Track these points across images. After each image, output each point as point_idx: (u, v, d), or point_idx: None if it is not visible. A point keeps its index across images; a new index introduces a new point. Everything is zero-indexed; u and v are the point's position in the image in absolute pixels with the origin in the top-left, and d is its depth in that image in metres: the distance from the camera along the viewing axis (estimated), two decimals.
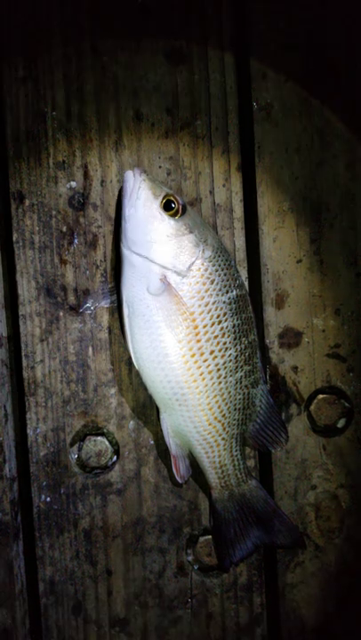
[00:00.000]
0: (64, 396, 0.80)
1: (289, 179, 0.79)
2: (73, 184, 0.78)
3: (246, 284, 0.79)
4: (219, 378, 0.73)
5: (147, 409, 0.80)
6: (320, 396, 0.81)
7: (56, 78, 0.77)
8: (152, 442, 0.81)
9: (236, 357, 0.73)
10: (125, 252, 0.72)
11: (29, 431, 0.80)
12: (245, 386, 0.75)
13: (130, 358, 0.74)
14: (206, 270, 0.72)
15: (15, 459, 0.81)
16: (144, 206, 0.71)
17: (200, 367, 0.72)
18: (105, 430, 0.80)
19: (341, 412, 0.81)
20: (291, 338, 0.80)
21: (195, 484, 0.81)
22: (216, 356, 0.72)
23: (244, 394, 0.75)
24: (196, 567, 0.82)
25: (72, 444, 0.80)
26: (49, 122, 0.77)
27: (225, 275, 0.73)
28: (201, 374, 0.72)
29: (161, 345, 0.72)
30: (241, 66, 0.78)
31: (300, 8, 0.77)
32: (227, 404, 0.74)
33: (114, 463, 0.81)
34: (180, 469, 0.77)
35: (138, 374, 0.75)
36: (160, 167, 0.78)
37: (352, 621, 0.82)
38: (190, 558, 0.82)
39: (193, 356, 0.72)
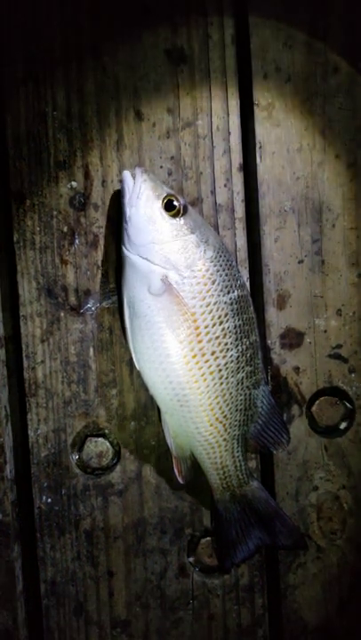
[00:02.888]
0: (65, 396, 0.79)
1: (290, 179, 0.79)
2: (74, 184, 0.78)
3: (248, 284, 0.79)
4: (220, 379, 0.73)
5: (148, 410, 0.80)
6: (322, 397, 0.81)
7: (56, 78, 0.77)
8: (153, 443, 0.80)
9: (237, 358, 0.73)
10: (126, 252, 0.72)
11: (30, 432, 0.79)
12: (247, 387, 0.74)
13: (131, 359, 0.74)
14: (208, 271, 0.71)
15: (16, 460, 0.81)
16: (145, 206, 0.71)
17: (201, 368, 0.72)
18: (106, 431, 0.80)
19: (343, 413, 0.81)
20: (292, 338, 0.80)
21: (196, 485, 0.81)
22: (217, 357, 0.72)
23: (245, 395, 0.74)
24: (197, 568, 0.82)
25: (73, 445, 0.80)
26: (49, 122, 0.77)
27: (226, 275, 0.72)
28: (202, 375, 0.72)
29: (162, 345, 0.71)
30: (242, 65, 0.78)
31: (300, 8, 0.77)
32: (228, 404, 0.74)
33: (115, 464, 0.81)
34: (182, 470, 0.76)
35: (139, 375, 0.75)
36: (161, 167, 0.78)
37: (354, 622, 0.82)
38: (192, 559, 0.82)
39: (194, 356, 0.72)
